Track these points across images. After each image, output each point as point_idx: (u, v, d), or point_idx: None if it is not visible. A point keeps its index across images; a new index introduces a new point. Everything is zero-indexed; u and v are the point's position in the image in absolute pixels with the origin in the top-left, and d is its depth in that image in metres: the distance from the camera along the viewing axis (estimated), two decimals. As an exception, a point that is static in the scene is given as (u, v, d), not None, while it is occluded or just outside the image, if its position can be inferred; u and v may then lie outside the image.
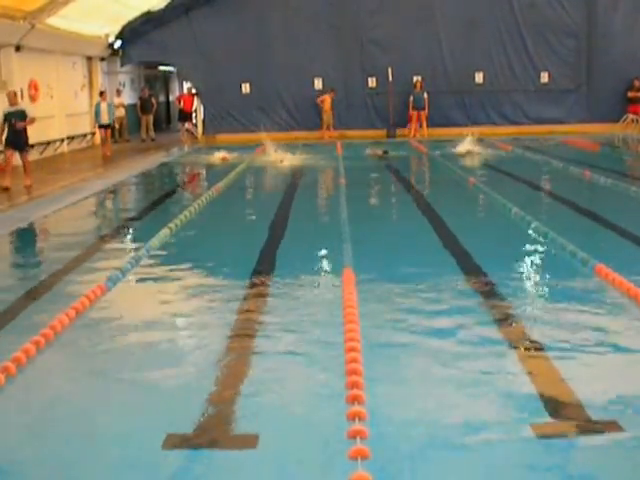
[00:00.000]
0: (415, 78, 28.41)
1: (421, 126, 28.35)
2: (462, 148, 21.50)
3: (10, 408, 5.44)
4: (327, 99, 28.17)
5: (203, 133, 29.24)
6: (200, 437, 4.76)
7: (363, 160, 20.94)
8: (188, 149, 25.99)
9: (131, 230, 12.06)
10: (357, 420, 4.75)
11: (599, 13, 28.39)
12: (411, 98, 28.17)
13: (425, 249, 9.87)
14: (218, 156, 21.55)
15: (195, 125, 30.03)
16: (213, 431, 4.85)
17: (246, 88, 28.82)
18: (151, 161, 21.84)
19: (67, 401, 5.51)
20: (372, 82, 28.92)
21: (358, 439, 4.48)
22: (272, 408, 5.23)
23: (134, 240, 11.09)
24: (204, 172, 19.94)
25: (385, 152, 21.57)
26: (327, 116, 28.32)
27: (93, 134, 26.80)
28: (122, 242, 11.16)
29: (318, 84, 28.86)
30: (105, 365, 6.14)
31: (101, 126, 23.77)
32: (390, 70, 28.22)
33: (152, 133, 29.47)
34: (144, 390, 5.62)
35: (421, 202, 13.42)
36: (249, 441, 4.69)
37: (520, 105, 29.16)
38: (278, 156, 20.35)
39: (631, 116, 28.15)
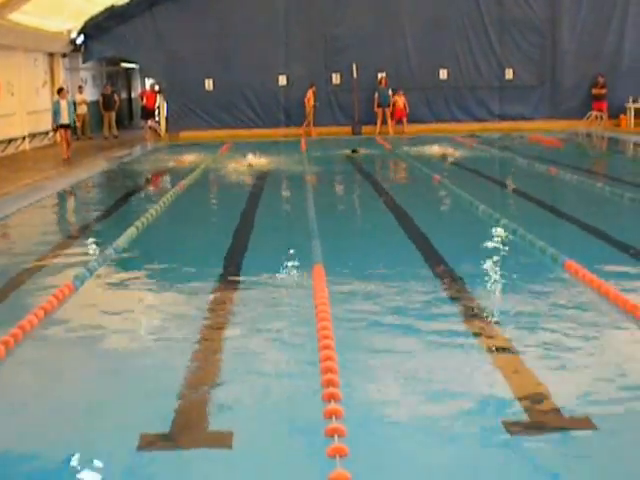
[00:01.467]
0: (379, 75, 28.50)
1: (385, 123, 28.44)
2: (438, 149, 21.23)
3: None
4: (310, 95, 28.26)
5: (166, 130, 29.12)
6: (175, 436, 4.78)
7: (331, 158, 20.89)
8: (151, 147, 25.86)
9: (97, 229, 12.00)
10: (334, 418, 4.78)
11: (564, 10, 28.68)
12: (376, 95, 28.26)
13: (394, 247, 9.93)
14: (180, 159, 20.84)
15: (158, 122, 29.88)
16: (187, 430, 4.87)
17: (209, 85, 28.74)
18: (114, 159, 21.70)
19: (38, 401, 5.50)
20: (336, 79, 28.97)
21: (336, 437, 4.52)
22: (246, 406, 5.27)
23: (100, 238, 11.01)
24: (167, 171, 19.50)
25: (354, 151, 21.45)
26: (309, 112, 28.44)
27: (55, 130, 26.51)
28: (88, 241, 11.08)
29: (282, 81, 28.85)
30: (74, 364, 6.15)
31: (61, 126, 21.69)
32: (355, 66, 28.28)
33: (115, 130, 29.28)
34: (115, 390, 5.63)
35: (389, 200, 13.45)
36: (224, 438, 4.72)
37: (484, 102, 29.37)
38: (244, 159, 19.67)
39: (595, 113, 28.44)
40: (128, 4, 27.15)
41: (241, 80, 28.51)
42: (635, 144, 23.37)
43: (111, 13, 27.20)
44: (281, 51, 28.58)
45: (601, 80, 28.39)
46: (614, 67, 28.70)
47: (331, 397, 5.03)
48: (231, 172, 18.16)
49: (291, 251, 9.72)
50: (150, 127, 29.25)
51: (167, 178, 18.23)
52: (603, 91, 28.46)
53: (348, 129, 28.60)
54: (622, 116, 28.48)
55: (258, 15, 28.24)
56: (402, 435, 4.80)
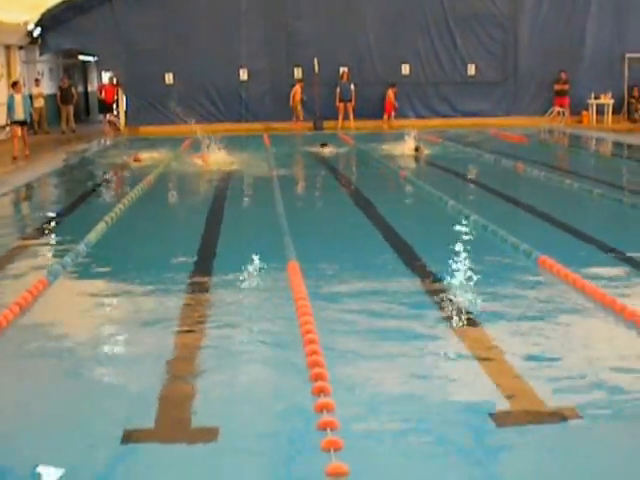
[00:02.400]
0: (341, 69, 28.60)
1: (347, 118, 28.55)
2: (408, 147, 20.52)
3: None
4: (297, 90, 28.34)
5: (126, 124, 28.97)
6: (159, 432, 4.84)
7: (296, 155, 20.86)
8: (111, 141, 25.72)
9: (61, 225, 11.95)
10: (325, 412, 4.87)
11: (526, 5, 29.04)
12: (338, 89, 28.37)
13: (366, 244, 10.02)
14: (137, 157, 19.56)
15: (117, 116, 29.71)
16: (171, 426, 4.92)
17: (169, 78, 28.64)
18: (74, 154, 21.54)
19: (14, 401, 5.51)
20: (298, 73, 29.01)
21: (329, 430, 4.61)
22: (230, 402, 5.34)
23: (67, 234, 10.96)
24: (128, 168, 18.81)
25: (323, 145, 21.13)
26: (295, 107, 28.57)
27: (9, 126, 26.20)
28: (54, 237, 11.05)
29: (243, 75, 28.85)
30: (51, 364, 6.15)
31: (15, 122, 20.39)
32: (316, 61, 28.34)
33: (72, 124, 29.06)
34: (95, 388, 5.65)
35: (358, 197, 13.54)
36: (210, 434, 4.78)
37: (447, 97, 29.61)
38: (206, 156, 18.74)
39: (557, 109, 28.81)
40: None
41: (202, 74, 28.42)
42: (598, 140, 23.77)
43: (69, 5, 26.98)
44: (242, 45, 28.55)
45: (563, 76, 28.76)
46: (576, 63, 29.10)
47: (321, 391, 5.11)
48: (194, 170, 17.63)
49: (263, 249, 9.70)
50: (109, 121, 29.07)
51: (129, 176, 17.70)
52: (565, 87, 28.83)
53: (310, 124, 28.64)
54: (584, 112, 28.88)
55: (219, 8, 28.19)
56: (390, 428, 4.89)
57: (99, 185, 16.18)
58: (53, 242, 10.61)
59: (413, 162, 18.43)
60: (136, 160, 19.06)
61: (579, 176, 15.36)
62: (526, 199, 13.29)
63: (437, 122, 28.95)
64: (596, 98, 28.69)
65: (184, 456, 4.61)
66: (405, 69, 29.31)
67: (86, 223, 10.96)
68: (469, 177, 16.52)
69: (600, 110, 28.70)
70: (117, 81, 29.10)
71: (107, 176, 17.96)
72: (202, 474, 4.43)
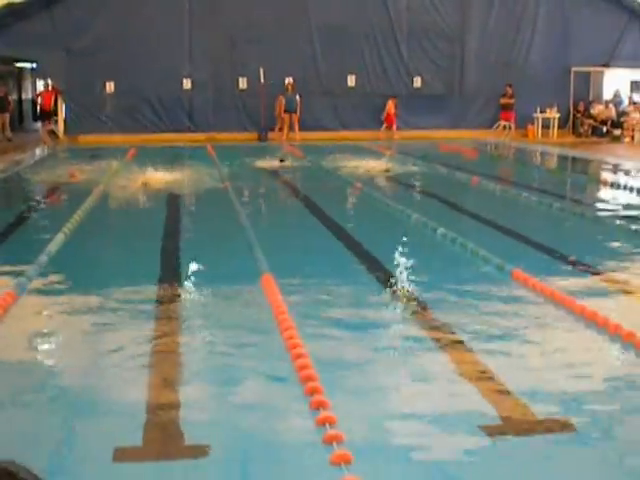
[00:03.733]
0: (287, 80, 28.73)
1: (292, 129, 28.69)
2: (379, 165, 19.83)
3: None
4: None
5: (65, 133, 28.64)
6: (150, 450, 4.84)
7: (246, 166, 20.69)
8: (50, 151, 25.38)
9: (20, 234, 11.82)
10: (328, 425, 4.93)
11: (473, 19, 29.56)
12: (283, 100, 28.48)
13: (334, 257, 10.12)
14: (73, 173, 18.36)
15: (56, 123, 29.29)
16: (162, 443, 4.91)
17: (110, 87, 28.45)
18: (12, 163, 21.19)
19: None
20: (243, 83, 29.07)
21: (335, 444, 4.67)
22: (219, 419, 5.35)
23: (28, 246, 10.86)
24: (69, 183, 17.47)
25: (282, 160, 20.43)
26: (279, 115, 28.83)
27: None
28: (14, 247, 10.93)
29: (187, 84, 28.81)
30: (28, 382, 6.07)
31: None
32: (262, 71, 28.42)
33: (8, 133, 28.67)
34: (78, 405, 5.61)
35: (320, 212, 13.50)
36: (200, 451, 4.79)
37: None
38: (151, 172, 17.50)
39: (503, 123, 29.30)
40: (27, 2, 26.66)
41: (144, 83, 28.29)
42: (547, 154, 24.30)
43: (9, 10, 26.66)
44: (185, 54, 28.53)
45: (509, 90, 29.29)
46: (522, 77, 29.66)
47: (319, 405, 5.17)
48: (141, 187, 16.35)
49: (233, 264, 9.73)
50: (49, 130, 28.69)
51: (68, 196, 16.34)
52: (511, 101, 29.38)
53: (254, 135, 28.72)
54: (529, 126, 29.42)
55: (162, 16, 28.13)
56: (380, 443, 4.98)
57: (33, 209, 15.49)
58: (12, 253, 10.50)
59: (366, 175, 18.40)
60: (72, 177, 17.99)
61: (531, 189, 15.72)
62: (486, 212, 13.49)
63: (383, 134, 29.20)
64: (542, 112, 29.28)
65: (174, 474, 4.63)
66: (351, 80, 29.55)
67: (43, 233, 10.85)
68: (428, 190, 16.59)
69: (545, 124, 29.28)
70: (54, 88, 28.67)
71: (42, 197, 16.44)
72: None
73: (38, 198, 16.18)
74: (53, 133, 28.69)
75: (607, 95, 30.56)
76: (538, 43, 29.87)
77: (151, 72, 28.18)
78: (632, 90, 30.55)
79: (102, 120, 28.47)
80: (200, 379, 6.05)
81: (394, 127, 29.22)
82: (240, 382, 5.96)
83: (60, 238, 10.71)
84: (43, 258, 9.58)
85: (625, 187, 16.47)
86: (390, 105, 29.06)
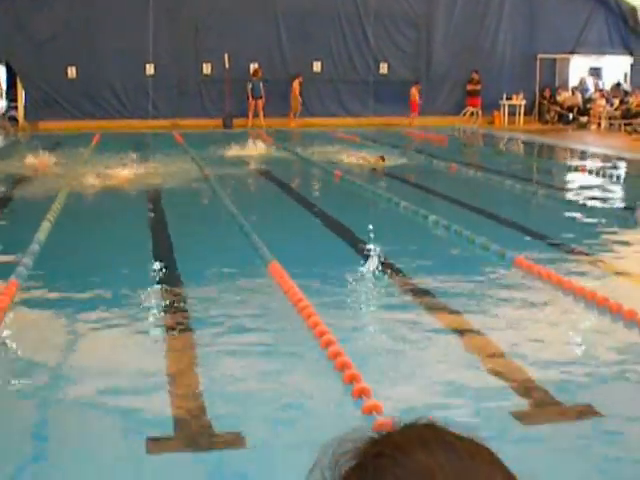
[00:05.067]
0: (252, 66, 28.79)
1: (257, 115, 28.77)
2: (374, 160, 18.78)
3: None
4: (295, 85, 28.55)
5: (25, 119, 28.36)
6: (183, 439, 4.97)
7: (220, 154, 20.55)
8: (11, 138, 25.19)
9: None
10: (363, 397, 5.20)
11: (440, 4, 29.86)
12: (249, 86, 28.55)
13: (331, 248, 10.34)
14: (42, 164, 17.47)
15: (15, 109, 28.94)
16: (192, 433, 5.05)
17: (72, 72, 28.24)
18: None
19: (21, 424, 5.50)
20: (207, 68, 29.05)
21: (375, 414, 4.93)
22: (252, 405, 5.54)
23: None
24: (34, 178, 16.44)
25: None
26: (294, 102, 28.76)
27: None
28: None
29: (150, 70, 28.69)
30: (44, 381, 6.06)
31: None
32: (227, 56, 28.42)
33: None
34: (100, 404, 5.62)
35: (310, 204, 13.56)
36: (234, 440, 4.95)
37: (359, 96, 30.07)
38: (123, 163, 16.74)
39: (470, 109, 29.63)
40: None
41: (106, 68, 28.09)
42: (516, 140, 24.72)
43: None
44: (149, 39, 28.40)
45: (475, 76, 29.63)
46: (489, 63, 30.05)
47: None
48: (115, 180, 15.46)
49: (232, 254, 9.83)
50: (10, 116, 28.33)
51: (38, 190, 15.07)
52: (477, 87, 29.71)
53: (218, 122, 28.72)
54: (496, 113, 29.80)
55: (125, 1, 27.95)
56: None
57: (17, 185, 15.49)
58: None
59: (341, 163, 18.49)
60: (40, 167, 17.18)
61: (509, 176, 16.07)
62: (470, 199, 13.76)
63: (349, 121, 29.37)
64: (508, 99, 29.67)
65: (209, 463, 4.80)
66: (316, 66, 29.67)
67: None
68: (407, 179, 16.82)
69: (511, 111, 29.69)
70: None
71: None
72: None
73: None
74: (14, 119, 28.40)
75: (573, 82, 31.04)
76: (505, 29, 30.31)
77: (113, 57, 27.95)
78: (591, 76, 31.13)
79: (63, 106, 28.24)
80: (223, 368, 6.20)
81: (414, 114, 29.48)
82: (264, 369, 6.17)
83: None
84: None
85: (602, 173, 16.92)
86: (414, 92, 29.32)
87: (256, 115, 28.79)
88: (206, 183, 15.43)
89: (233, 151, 20.04)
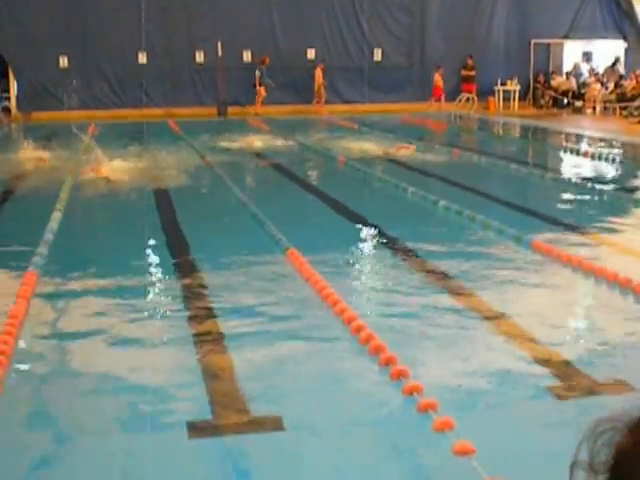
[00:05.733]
0: (245, 53, 28.79)
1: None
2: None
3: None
4: (319, 72, 28.66)
5: (17, 109, 28.24)
6: (221, 424, 5.00)
7: (217, 143, 20.47)
8: (5, 129, 25.11)
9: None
10: (402, 379, 5.27)
11: (433, -10, 29.83)
12: (257, 73, 28.57)
13: (343, 234, 10.39)
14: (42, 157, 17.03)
15: (8, 100, 28.82)
16: (231, 416, 5.09)
17: (64, 62, 28.16)
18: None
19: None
20: (200, 57, 29.00)
21: (415, 394, 4.98)
22: (288, 389, 5.61)
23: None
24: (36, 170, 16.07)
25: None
26: (318, 89, 28.87)
27: None
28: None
29: (142, 59, 28.62)
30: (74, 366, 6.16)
31: None
32: (220, 44, 28.36)
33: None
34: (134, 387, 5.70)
35: (317, 191, 13.61)
36: (273, 422, 4.99)
37: (353, 83, 30.06)
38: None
39: (466, 95, 29.65)
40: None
41: (99, 58, 28.05)
42: (515, 126, 24.81)
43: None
44: (141, 27, 28.33)
45: (470, 62, 29.67)
46: (483, 49, 30.08)
47: (388, 361, 5.47)
48: (116, 168, 15.28)
49: (248, 242, 9.82)
50: (4, 107, 28.17)
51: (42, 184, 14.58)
52: (472, 73, 29.76)
53: (212, 110, 28.66)
54: (490, 99, 29.85)
55: (117, -12, 27.89)
56: (453, 404, 5.24)
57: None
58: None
59: (344, 149, 18.48)
60: (38, 163, 16.60)
61: (509, 159, 16.16)
62: (483, 186, 13.83)
63: (343, 108, 29.34)
64: (502, 84, 29.73)
65: (248, 447, 4.83)
66: (310, 53, 29.65)
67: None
68: (409, 165, 16.73)
69: (506, 96, 29.76)
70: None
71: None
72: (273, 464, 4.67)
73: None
74: (7, 110, 28.27)
75: (567, 67, 31.11)
76: (499, 14, 30.34)
77: (106, 46, 27.91)
78: (583, 61, 31.21)
79: (55, 97, 28.14)
80: (254, 353, 6.24)
81: (440, 99, 29.54)
82: (296, 354, 6.24)
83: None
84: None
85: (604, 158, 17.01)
86: (437, 77, 29.35)
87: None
88: (211, 172, 15.40)
89: (233, 139, 20.00)
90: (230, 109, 28.62)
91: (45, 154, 17.46)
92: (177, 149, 18.81)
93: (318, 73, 28.97)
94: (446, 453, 4.47)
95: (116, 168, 15.28)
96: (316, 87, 29.15)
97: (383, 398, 5.38)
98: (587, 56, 31.42)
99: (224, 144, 19.53)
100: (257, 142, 19.24)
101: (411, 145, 18.02)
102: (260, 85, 28.73)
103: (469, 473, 4.22)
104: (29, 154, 17.51)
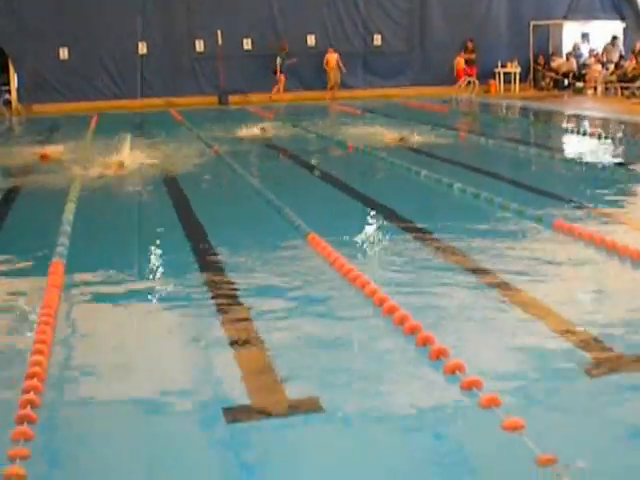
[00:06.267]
0: (245, 40, 28.78)
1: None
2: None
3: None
4: (331, 58, 28.74)
5: (18, 102, 28.19)
6: (259, 407, 5.00)
7: (222, 132, 20.16)
8: (7, 122, 25.07)
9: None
10: (442, 358, 5.43)
11: (432, -27, 29.80)
12: (278, 60, 28.68)
13: (361, 217, 10.50)
14: (44, 154, 16.21)
15: (9, 92, 28.77)
16: (269, 400, 5.10)
17: (64, 53, 28.13)
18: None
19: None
20: (200, 46, 28.97)
21: (458, 373, 5.04)
22: (324, 370, 5.60)
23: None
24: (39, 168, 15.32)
25: (262, 129, 19.00)
26: (333, 76, 29.04)
27: None
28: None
29: (142, 49, 28.60)
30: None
31: None
32: (220, 33, 28.34)
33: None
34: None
35: (328, 176, 13.56)
36: (311, 404, 5.00)
37: (353, 68, 30.01)
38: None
39: (468, 79, 29.65)
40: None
41: (99, 49, 28.06)
42: (517, 107, 24.83)
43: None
44: (141, 18, 28.29)
45: (470, 45, 29.67)
46: (483, 31, 30.07)
47: (439, 353, 5.50)
48: (125, 159, 14.80)
49: (265, 229, 9.81)
50: (5, 100, 28.11)
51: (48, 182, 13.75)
52: (472, 56, 29.77)
53: (213, 99, 28.65)
54: (491, 81, 29.86)
55: (116, -21, 27.84)
56: (494, 382, 5.26)
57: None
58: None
59: (350, 136, 18.47)
60: (43, 157, 16.00)
61: (517, 142, 16.21)
62: (493, 168, 13.85)
63: (344, 94, 29.37)
64: (502, 66, 29.73)
65: (287, 429, 4.81)
66: (310, 40, 29.64)
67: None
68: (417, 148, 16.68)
69: (507, 79, 29.77)
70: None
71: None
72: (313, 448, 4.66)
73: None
74: (8, 103, 28.21)
75: (566, 48, 31.09)
76: (498, -3, 30.37)
77: (105, 37, 27.92)
78: (582, 42, 31.22)
79: (56, 88, 28.13)
80: (286, 337, 6.26)
81: (463, 82, 29.66)
82: (328, 337, 6.24)
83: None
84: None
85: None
86: (459, 60, 29.42)
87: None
88: (220, 160, 15.36)
89: (239, 128, 19.78)
90: (231, 98, 28.62)
91: (52, 148, 17.01)
92: (183, 138, 18.77)
93: (331, 58, 28.92)
94: (495, 430, 4.51)
95: (123, 158, 14.96)
96: (330, 72, 29.12)
97: (424, 377, 5.40)
98: (586, 37, 31.40)
99: (230, 132, 19.43)
100: (263, 130, 19.09)
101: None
102: (280, 72, 28.74)
103: (519, 450, 4.26)
104: (36, 147, 17.31)
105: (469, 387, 4.97)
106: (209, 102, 28.34)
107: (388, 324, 6.20)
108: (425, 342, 5.68)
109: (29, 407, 4.88)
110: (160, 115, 25.11)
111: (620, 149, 16.10)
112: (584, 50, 30.72)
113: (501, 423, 4.49)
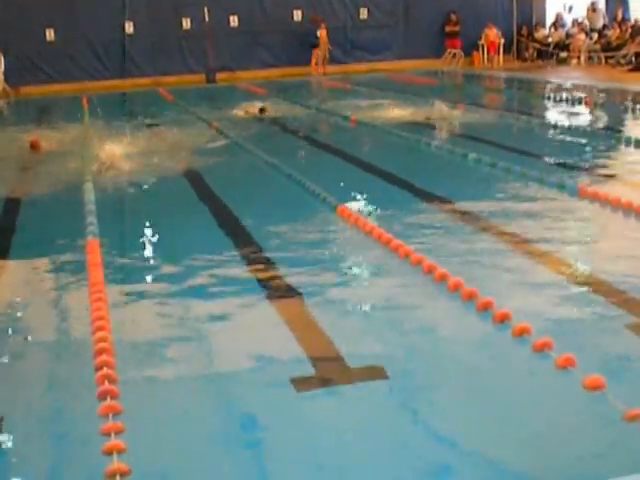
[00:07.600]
0: (232, 18, 28.68)
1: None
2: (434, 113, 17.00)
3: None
4: (322, 34, 28.71)
5: (6, 84, 27.88)
6: (323, 377, 5.06)
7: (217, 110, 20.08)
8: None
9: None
10: (489, 309, 5.57)
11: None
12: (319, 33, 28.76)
13: (381, 189, 10.46)
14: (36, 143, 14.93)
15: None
16: (334, 369, 5.15)
17: (51, 35, 27.88)
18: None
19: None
20: (186, 23, 28.80)
21: (506, 321, 5.10)
22: (380, 337, 5.67)
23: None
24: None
25: (262, 110, 18.68)
26: (324, 50, 28.96)
27: None
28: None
29: (129, 28, 28.39)
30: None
31: None
32: (206, 10, 28.17)
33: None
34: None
35: (338, 151, 13.49)
36: (373, 372, 5.05)
37: (339, 42, 29.85)
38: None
39: (453, 51, 29.67)
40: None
41: (85, 29, 27.81)
42: (500, 78, 24.92)
43: None
44: (126, -5, 28.10)
45: (453, 17, 29.67)
46: (466, 4, 30.01)
47: (486, 305, 5.70)
48: (128, 141, 14.66)
49: (291, 205, 9.84)
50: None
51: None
52: (456, 28, 29.76)
53: (201, 77, 28.47)
54: (475, 53, 29.87)
55: (99, -44, 27.58)
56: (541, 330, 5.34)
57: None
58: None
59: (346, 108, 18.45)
60: (34, 147, 14.80)
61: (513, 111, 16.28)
62: (499, 139, 13.88)
63: (331, 68, 29.22)
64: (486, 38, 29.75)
65: (352, 397, 4.86)
66: (297, 15, 29.52)
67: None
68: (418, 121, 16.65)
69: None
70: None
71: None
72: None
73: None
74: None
75: (550, 19, 31.12)
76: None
77: (91, 17, 27.66)
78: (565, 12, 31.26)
79: (43, 70, 27.90)
80: (337, 304, 6.34)
81: (459, 51, 29.74)
82: (379, 302, 6.32)
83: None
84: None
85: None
86: (488, 32, 29.44)
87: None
88: (226, 139, 15.08)
89: (234, 105, 19.74)
90: (218, 75, 28.46)
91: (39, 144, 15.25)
92: (180, 118, 18.50)
93: (322, 33, 28.90)
94: (549, 370, 4.76)
95: (125, 140, 14.84)
96: (321, 46, 29.03)
97: (475, 330, 5.54)
98: (570, 8, 31.39)
99: (226, 110, 19.35)
100: (261, 111, 18.87)
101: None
102: (317, 46, 28.82)
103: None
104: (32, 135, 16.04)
105: (520, 333, 5.20)
106: (197, 80, 28.14)
107: (432, 284, 6.33)
108: (470, 296, 5.91)
109: (106, 382, 4.90)
110: (150, 94, 24.93)
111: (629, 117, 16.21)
112: (567, 20, 30.72)
113: (582, 382, 4.57)
